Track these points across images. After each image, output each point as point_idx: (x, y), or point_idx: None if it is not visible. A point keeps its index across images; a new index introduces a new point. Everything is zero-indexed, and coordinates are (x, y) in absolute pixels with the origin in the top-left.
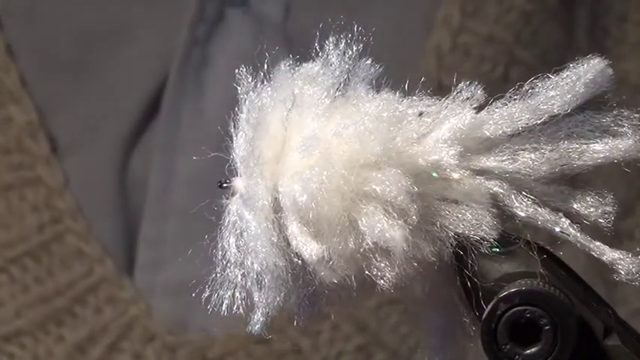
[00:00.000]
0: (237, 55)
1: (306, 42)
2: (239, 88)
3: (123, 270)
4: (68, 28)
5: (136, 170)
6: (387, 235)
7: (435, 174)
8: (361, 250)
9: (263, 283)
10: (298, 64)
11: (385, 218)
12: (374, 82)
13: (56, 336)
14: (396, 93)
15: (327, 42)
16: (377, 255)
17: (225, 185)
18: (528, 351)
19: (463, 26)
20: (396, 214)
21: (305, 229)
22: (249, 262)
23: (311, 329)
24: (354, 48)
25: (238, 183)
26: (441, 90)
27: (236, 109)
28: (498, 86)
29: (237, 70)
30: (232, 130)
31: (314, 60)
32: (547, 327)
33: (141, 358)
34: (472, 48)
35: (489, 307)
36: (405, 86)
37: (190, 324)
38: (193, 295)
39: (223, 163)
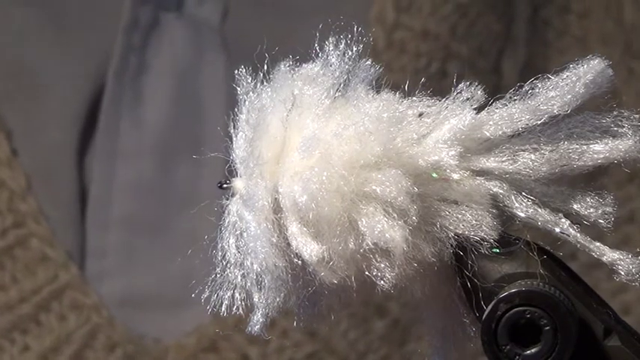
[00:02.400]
0: (173, 61)
1: (245, 45)
2: (238, 89)
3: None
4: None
5: (87, 179)
6: (387, 235)
7: (434, 174)
8: (361, 250)
9: (263, 283)
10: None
11: (385, 219)
12: (374, 82)
13: (22, 345)
14: (395, 94)
15: (327, 42)
16: (377, 255)
17: (225, 186)
18: (528, 352)
19: (397, 22)
20: (396, 215)
21: (305, 229)
22: (248, 263)
23: (259, 338)
24: (354, 49)
25: (238, 183)
26: (379, 87)
27: (235, 109)
28: (436, 81)
29: (236, 71)
30: (232, 131)
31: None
32: (547, 328)
33: None
34: (407, 44)
35: (489, 307)
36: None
37: (138, 334)
38: (138, 305)
39: (163, 171)
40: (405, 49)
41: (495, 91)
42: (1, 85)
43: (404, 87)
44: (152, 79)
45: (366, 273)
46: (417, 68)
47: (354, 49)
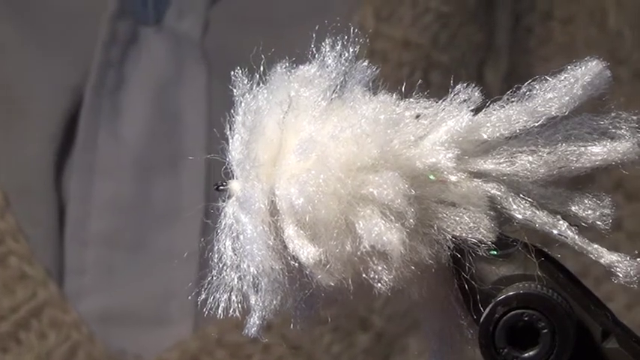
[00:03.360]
0: (152, 76)
1: (226, 58)
2: (235, 90)
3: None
4: None
5: (65, 195)
6: (384, 238)
7: (432, 176)
8: (358, 253)
9: (260, 286)
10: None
11: (382, 221)
12: (370, 83)
13: None
14: (393, 95)
15: (323, 44)
16: (374, 258)
17: (221, 188)
18: (526, 354)
19: (378, 32)
20: (393, 217)
21: (302, 232)
22: (245, 266)
23: (241, 353)
24: (351, 50)
25: (235, 186)
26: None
27: (232, 111)
28: (419, 91)
29: (232, 73)
30: (228, 133)
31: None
32: (545, 330)
33: None
34: (389, 53)
35: (487, 310)
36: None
37: (116, 351)
38: (117, 322)
39: (142, 186)
40: (387, 58)
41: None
42: None
43: (400, 89)
44: (131, 94)
45: (363, 275)
46: (399, 77)
47: (351, 50)
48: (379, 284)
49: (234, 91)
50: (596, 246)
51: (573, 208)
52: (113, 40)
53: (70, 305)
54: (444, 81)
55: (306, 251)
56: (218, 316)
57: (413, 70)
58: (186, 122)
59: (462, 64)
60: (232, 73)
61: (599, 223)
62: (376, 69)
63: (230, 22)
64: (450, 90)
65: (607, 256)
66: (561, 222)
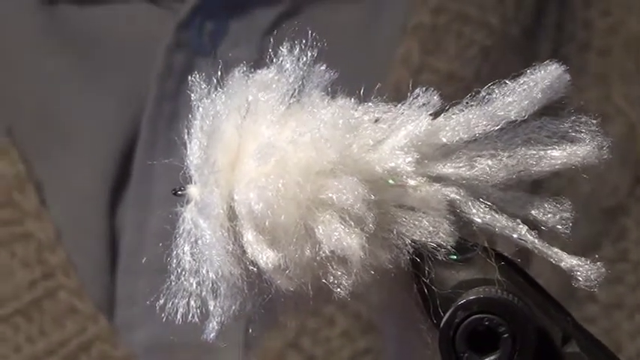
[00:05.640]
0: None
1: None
2: (192, 95)
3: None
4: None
5: (120, 228)
6: (344, 243)
7: (391, 181)
8: (318, 258)
9: (218, 291)
10: (252, 70)
11: (342, 226)
12: (328, 88)
13: None
14: (351, 99)
15: (280, 48)
16: (334, 263)
17: (179, 193)
18: (486, 359)
19: (423, 64)
20: (352, 222)
21: (261, 237)
22: (204, 271)
23: None
24: (309, 54)
25: (193, 191)
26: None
27: (190, 115)
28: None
29: (190, 78)
30: (186, 138)
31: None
32: (505, 335)
33: None
34: (432, 86)
35: (447, 315)
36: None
37: None
38: (168, 352)
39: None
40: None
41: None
42: (31, 135)
43: (358, 93)
44: (184, 126)
45: (323, 280)
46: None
47: (309, 54)
48: (338, 289)
49: (192, 95)
50: (556, 250)
51: (533, 212)
52: (169, 72)
53: (120, 340)
54: None
55: (265, 256)
56: (262, 344)
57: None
58: None
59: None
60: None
61: (559, 226)
62: (334, 73)
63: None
64: None
65: (567, 260)
66: (521, 226)
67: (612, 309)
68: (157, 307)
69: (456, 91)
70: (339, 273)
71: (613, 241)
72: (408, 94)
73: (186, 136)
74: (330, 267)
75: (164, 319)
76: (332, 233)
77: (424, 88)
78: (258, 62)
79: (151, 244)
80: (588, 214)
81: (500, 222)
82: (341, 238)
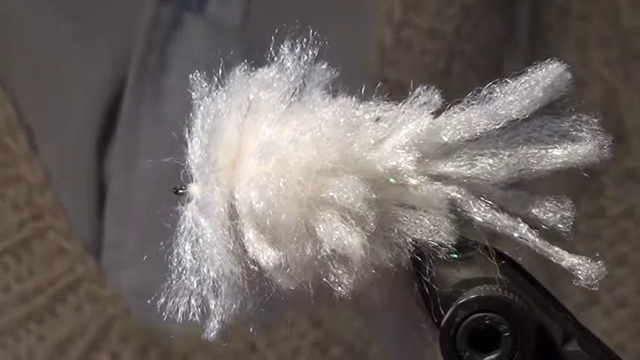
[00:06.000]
0: (194, 60)
1: (264, 46)
2: (193, 94)
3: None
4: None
5: (109, 173)
6: (344, 242)
7: (392, 180)
8: (319, 257)
9: (219, 290)
10: (254, 69)
11: (343, 225)
12: (330, 86)
13: (37, 335)
14: (352, 98)
15: (282, 47)
16: (334, 262)
17: (180, 192)
18: (487, 358)
19: (405, 20)
20: (353, 221)
21: (262, 236)
22: (205, 270)
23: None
24: (310, 52)
25: (194, 189)
26: (386, 84)
27: (191, 114)
28: (440, 79)
29: (191, 76)
30: (187, 137)
31: (270, 64)
32: (506, 334)
33: (118, 358)
34: (414, 42)
35: (448, 313)
36: (360, 90)
37: (154, 325)
38: (153, 298)
39: (183, 168)
40: (412, 46)
41: None
42: (23, 83)
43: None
44: (172, 77)
45: (324, 279)
46: (423, 65)
47: (310, 52)
48: (339, 288)
49: (193, 94)
50: (556, 249)
51: (534, 211)
52: (156, 24)
53: (107, 280)
54: (465, 70)
55: (266, 255)
56: None
57: (436, 59)
58: None
59: (482, 56)
60: (269, 58)
61: (560, 225)
62: (335, 71)
63: (271, 9)
64: (468, 80)
65: (568, 259)
66: (522, 225)
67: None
68: (143, 251)
69: (437, 47)
70: (340, 272)
71: (590, 198)
72: (390, 50)
73: (187, 135)
74: (331, 266)
75: (151, 265)
76: (333, 232)
77: (425, 87)
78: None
79: (138, 192)
80: (567, 171)
81: (501, 221)
82: (342, 237)
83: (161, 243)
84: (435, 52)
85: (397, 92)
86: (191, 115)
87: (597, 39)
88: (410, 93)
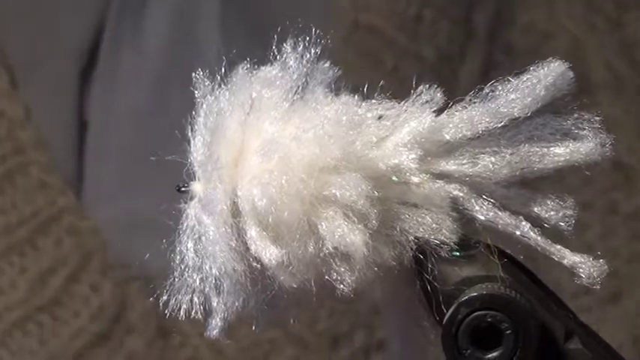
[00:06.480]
0: None
1: None
2: (196, 92)
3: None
4: None
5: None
6: (347, 239)
7: (395, 178)
8: (321, 254)
9: (222, 287)
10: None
11: (345, 223)
12: (332, 85)
13: (19, 267)
14: (354, 96)
15: (284, 45)
16: (337, 259)
17: (183, 190)
18: (489, 355)
19: None
20: (356, 219)
21: (264, 233)
22: (207, 267)
23: None
24: (312, 51)
25: (197, 187)
26: (357, 29)
27: (193, 112)
28: (411, 25)
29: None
30: (190, 134)
31: (272, 62)
32: (508, 331)
33: (98, 289)
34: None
35: (450, 311)
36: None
37: (133, 258)
38: (135, 230)
39: (161, 101)
40: None
41: (467, 41)
42: (3, 19)
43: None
44: (152, 15)
45: (326, 277)
46: (395, 10)
47: (312, 51)
48: (342, 285)
49: (196, 92)
50: (558, 247)
51: (536, 210)
52: None
53: (87, 212)
54: (435, 17)
55: (268, 252)
56: None
57: (408, 5)
58: (201, 44)
59: (452, 3)
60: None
61: (562, 224)
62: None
63: None
64: (439, 28)
65: (570, 257)
66: (524, 223)
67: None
68: (124, 186)
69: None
70: (343, 269)
71: None
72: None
73: (190, 133)
74: (333, 263)
75: (132, 200)
76: (335, 230)
77: (427, 86)
78: None
79: (118, 125)
80: None
81: (503, 219)
82: (344, 234)
83: (141, 177)
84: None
85: (369, 37)
86: (194, 112)
87: None
88: (381, 37)
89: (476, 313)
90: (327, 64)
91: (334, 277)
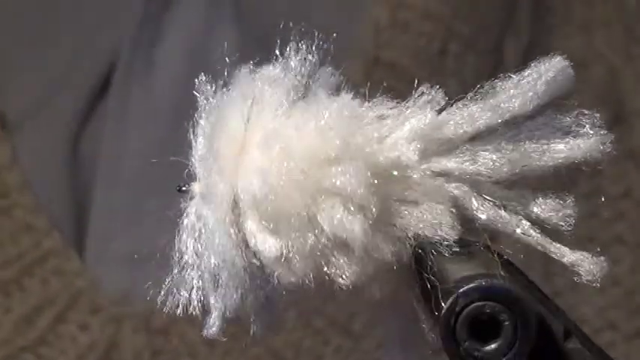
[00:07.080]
0: (188, 31)
1: (258, 19)
2: (198, 96)
3: (72, 242)
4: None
5: (88, 145)
6: (346, 226)
7: (395, 172)
8: (320, 246)
9: (220, 282)
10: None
11: (344, 211)
12: (334, 89)
13: (4, 307)
14: (356, 97)
15: (287, 48)
16: (335, 252)
17: (183, 189)
18: (488, 347)
19: (401, 1)
20: (355, 209)
21: (263, 224)
22: (206, 259)
23: None
24: (315, 54)
25: (196, 187)
26: (377, 65)
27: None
28: (436, 60)
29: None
30: (191, 132)
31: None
32: (507, 323)
33: (86, 329)
34: (410, 23)
35: (448, 302)
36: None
37: (140, 293)
38: (142, 265)
39: (172, 137)
40: (408, 27)
41: (495, 72)
42: (7, 55)
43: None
44: (165, 49)
45: (325, 270)
46: (418, 47)
47: (315, 54)
48: (341, 279)
49: (198, 96)
50: (558, 245)
51: (536, 209)
52: None
53: (73, 254)
54: (463, 51)
55: (267, 244)
56: None
57: (432, 40)
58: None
59: (481, 35)
60: (264, 31)
61: (562, 224)
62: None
63: None
64: (466, 61)
65: (569, 256)
66: (524, 222)
67: (585, 242)
68: (135, 220)
69: (434, 27)
70: (342, 262)
71: (588, 177)
72: (385, 31)
73: (191, 132)
74: (332, 257)
75: (142, 233)
76: (334, 216)
77: (429, 85)
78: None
79: (130, 158)
80: None
81: (503, 218)
82: (343, 221)
83: (152, 211)
84: (431, 33)
85: (390, 73)
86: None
87: (600, 21)
88: (402, 73)
89: (474, 304)
90: (329, 69)
91: (333, 271)
